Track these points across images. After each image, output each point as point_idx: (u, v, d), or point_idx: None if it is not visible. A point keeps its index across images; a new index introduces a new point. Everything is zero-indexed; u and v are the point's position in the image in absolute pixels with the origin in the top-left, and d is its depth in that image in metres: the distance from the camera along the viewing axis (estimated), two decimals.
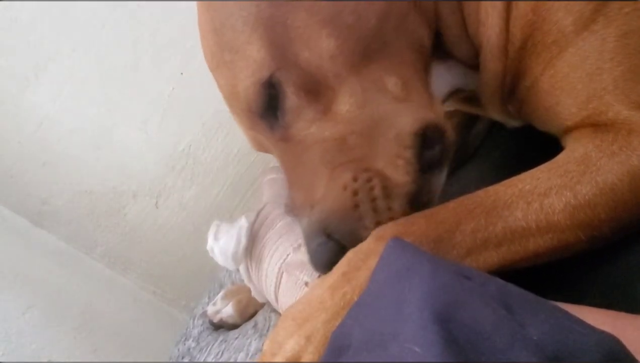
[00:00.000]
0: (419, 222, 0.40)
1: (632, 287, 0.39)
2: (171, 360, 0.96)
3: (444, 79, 0.49)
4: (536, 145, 0.52)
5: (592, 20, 0.41)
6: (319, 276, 0.43)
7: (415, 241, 0.37)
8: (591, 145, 0.40)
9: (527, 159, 0.44)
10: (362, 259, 0.39)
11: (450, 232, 0.39)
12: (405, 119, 0.42)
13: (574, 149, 0.41)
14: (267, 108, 0.44)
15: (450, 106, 0.58)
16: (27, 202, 1.28)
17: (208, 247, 0.67)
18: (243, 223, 0.67)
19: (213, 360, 0.77)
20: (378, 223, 0.40)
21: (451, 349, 0.23)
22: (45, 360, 0.93)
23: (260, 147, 0.51)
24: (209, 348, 0.83)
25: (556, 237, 0.38)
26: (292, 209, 0.45)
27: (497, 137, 0.69)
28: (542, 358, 0.23)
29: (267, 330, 0.72)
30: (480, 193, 0.41)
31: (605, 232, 0.38)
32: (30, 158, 1.25)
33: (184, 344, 0.96)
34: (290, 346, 0.36)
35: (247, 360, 0.67)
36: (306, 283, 0.54)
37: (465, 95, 0.54)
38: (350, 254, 0.40)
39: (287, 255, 0.60)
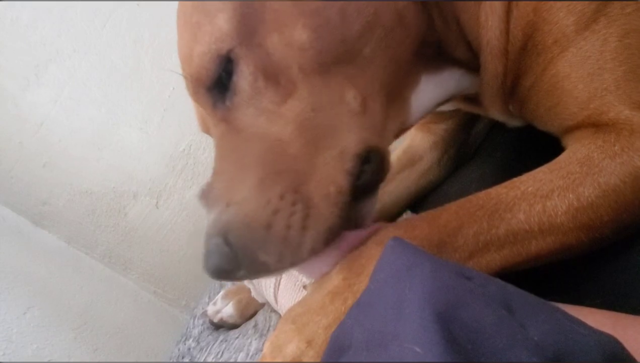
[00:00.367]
0: (421, 225, 0.40)
1: (632, 288, 0.39)
2: (171, 360, 0.96)
3: (436, 90, 0.49)
4: (537, 145, 0.52)
5: (593, 20, 0.40)
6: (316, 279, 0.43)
7: (417, 245, 0.37)
8: (593, 146, 0.39)
9: (527, 159, 0.44)
10: (363, 264, 0.38)
11: (453, 235, 0.39)
12: (352, 136, 0.40)
13: (576, 150, 0.40)
14: (217, 82, 0.41)
15: (450, 106, 0.57)
16: (27, 202, 1.28)
17: None
18: None
19: (213, 360, 0.77)
20: (280, 255, 0.37)
21: (452, 349, 0.23)
22: (46, 360, 0.93)
23: (205, 127, 0.49)
24: (209, 348, 0.83)
25: (558, 239, 0.38)
26: (206, 196, 0.41)
27: (497, 137, 0.69)
28: (543, 358, 0.23)
29: (268, 330, 0.72)
30: (482, 196, 0.41)
31: (607, 233, 0.38)
32: (31, 158, 1.25)
33: (184, 344, 0.96)
34: (290, 350, 0.36)
35: (247, 360, 0.67)
36: (304, 286, 0.54)
37: (465, 95, 0.54)
38: (350, 259, 0.39)
39: None
